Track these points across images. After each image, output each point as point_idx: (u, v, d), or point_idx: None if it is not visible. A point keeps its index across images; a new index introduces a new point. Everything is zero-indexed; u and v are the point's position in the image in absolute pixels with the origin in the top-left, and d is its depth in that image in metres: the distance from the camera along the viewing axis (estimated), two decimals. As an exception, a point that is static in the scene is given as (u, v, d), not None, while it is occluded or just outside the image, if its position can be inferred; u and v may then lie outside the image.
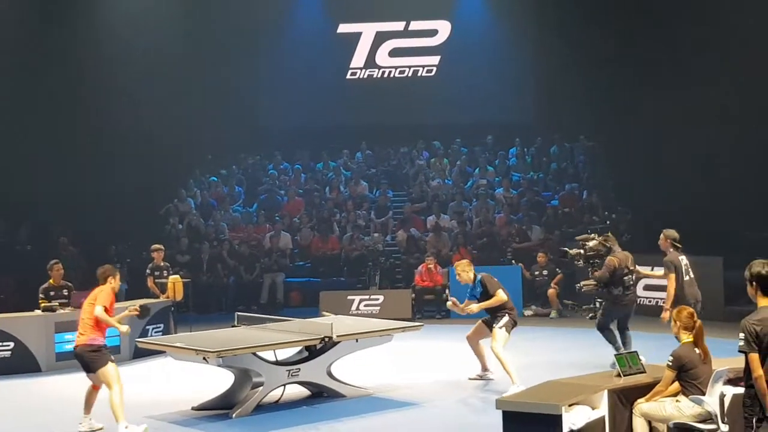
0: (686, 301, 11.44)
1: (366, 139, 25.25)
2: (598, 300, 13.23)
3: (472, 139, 24.98)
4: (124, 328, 9.93)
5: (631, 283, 12.62)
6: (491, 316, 11.85)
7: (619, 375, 8.23)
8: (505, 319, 11.65)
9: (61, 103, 22.31)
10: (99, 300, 9.73)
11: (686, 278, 12.08)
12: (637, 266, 12.72)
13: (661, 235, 12.44)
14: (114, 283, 9.99)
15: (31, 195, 21.70)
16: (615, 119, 22.38)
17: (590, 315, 13.42)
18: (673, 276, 11.95)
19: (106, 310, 9.66)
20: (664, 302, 12.25)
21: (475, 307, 11.71)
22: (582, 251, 12.85)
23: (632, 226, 20.83)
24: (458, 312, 12.00)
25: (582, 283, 12.90)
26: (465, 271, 11.91)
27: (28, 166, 21.70)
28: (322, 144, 25.09)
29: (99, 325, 9.69)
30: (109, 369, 9.64)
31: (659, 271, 12.66)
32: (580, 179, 23.21)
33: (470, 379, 12.28)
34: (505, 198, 22.52)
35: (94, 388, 9.96)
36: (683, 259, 12.18)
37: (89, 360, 9.69)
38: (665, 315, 11.78)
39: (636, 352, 8.48)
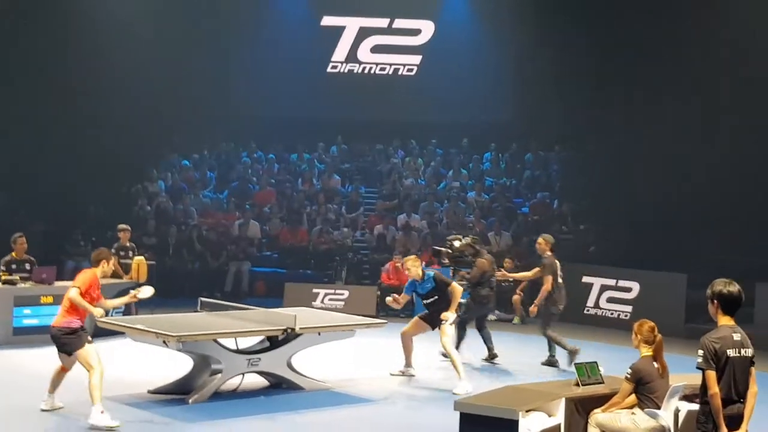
0: (555, 302, 13.02)
1: (342, 133, 25.23)
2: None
3: (448, 141, 25.01)
4: (98, 311, 9.65)
5: (494, 284, 13.74)
6: (433, 314, 11.92)
7: (577, 384, 8.28)
8: (453, 315, 11.78)
9: (34, 77, 22.03)
10: (77, 281, 9.62)
11: (559, 281, 13.15)
12: (503, 269, 14.58)
13: (540, 239, 13.48)
14: (105, 267, 9.86)
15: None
16: (591, 131, 22.51)
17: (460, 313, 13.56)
18: (550, 278, 12.96)
19: (82, 294, 9.50)
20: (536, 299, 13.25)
21: (450, 314, 11.70)
22: (449, 251, 13.52)
23: (600, 239, 20.99)
24: (397, 307, 12.31)
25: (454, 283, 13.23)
26: (415, 266, 11.99)
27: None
28: (298, 135, 25.04)
29: (76, 307, 9.54)
30: (88, 350, 9.48)
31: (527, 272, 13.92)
32: (553, 188, 23.30)
33: (392, 374, 12.43)
34: (477, 202, 22.57)
35: (63, 369, 9.86)
36: (557, 264, 13.21)
37: (65, 342, 9.56)
38: (534, 309, 13.24)
39: (596, 362, 8.54)
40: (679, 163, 20.33)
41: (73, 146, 21.81)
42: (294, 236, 21.54)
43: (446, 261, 13.78)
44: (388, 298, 12.37)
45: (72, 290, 9.54)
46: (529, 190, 23.38)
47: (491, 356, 13.66)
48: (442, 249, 13.88)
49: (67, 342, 9.54)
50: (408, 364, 12.53)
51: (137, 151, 22.84)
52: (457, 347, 13.08)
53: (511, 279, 15.24)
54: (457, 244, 13.61)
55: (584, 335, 16.42)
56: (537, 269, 13.40)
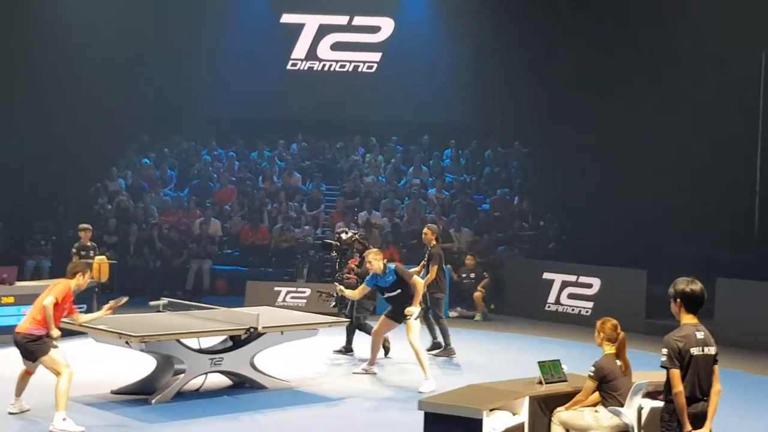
0: (441, 289, 13.63)
1: (302, 131, 25.17)
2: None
3: (409, 138, 25.03)
4: (56, 333, 9.42)
5: None
6: (396, 309, 11.93)
7: (540, 382, 8.31)
8: (418, 309, 11.76)
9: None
10: (53, 291, 9.46)
11: (443, 269, 13.77)
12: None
13: (427, 229, 14.04)
14: (80, 280, 9.72)
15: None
16: (550, 128, 22.62)
17: (333, 304, 13.51)
18: (436, 267, 13.43)
19: (56, 304, 9.37)
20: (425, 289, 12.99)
21: (414, 309, 11.68)
22: (337, 243, 13.57)
23: (560, 235, 21.12)
24: (348, 296, 12.35)
25: (344, 275, 13.43)
26: (376, 259, 11.92)
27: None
28: (258, 133, 24.96)
29: (45, 316, 9.38)
30: (54, 356, 9.34)
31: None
32: (513, 185, 23.39)
33: (354, 373, 12.43)
34: (437, 199, 22.61)
35: (27, 373, 9.72)
36: (442, 253, 13.83)
37: (29, 349, 9.39)
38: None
39: (559, 360, 8.56)
40: (638, 160, 20.50)
41: (32, 145, 21.52)
42: (255, 234, 21.45)
43: (334, 254, 13.70)
44: (338, 287, 12.51)
45: (48, 298, 9.38)
46: (489, 187, 23.46)
47: (347, 349, 13.76)
48: (332, 241, 13.85)
49: (32, 349, 9.39)
50: (372, 363, 12.51)
51: (97, 150, 22.59)
52: (348, 347, 13.48)
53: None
54: (344, 236, 13.62)
55: (545, 331, 16.58)
56: (434, 267, 13.53)
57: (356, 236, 13.79)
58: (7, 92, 21.60)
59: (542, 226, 21.49)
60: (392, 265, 12.07)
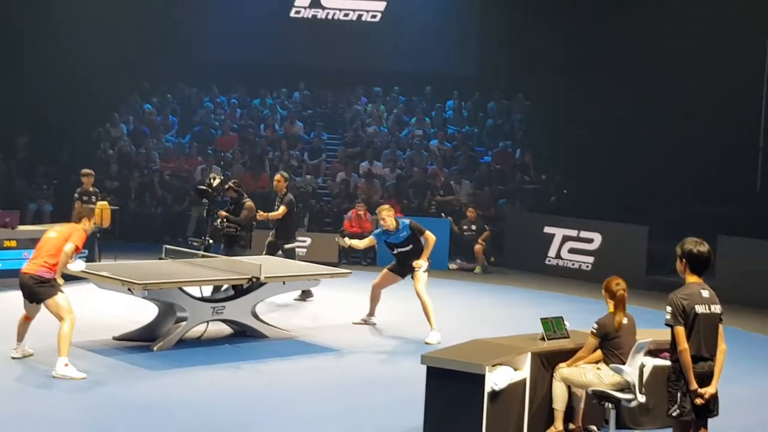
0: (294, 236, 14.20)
1: (305, 79, 24.97)
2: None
3: (411, 89, 24.86)
4: (61, 280, 9.39)
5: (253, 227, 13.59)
6: (403, 264, 11.91)
7: (543, 338, 8.29)
8: (426, 263, 11.72)
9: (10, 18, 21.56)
10: (73, 238, 9.34)
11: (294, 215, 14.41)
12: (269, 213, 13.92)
13: (279, 176, 14.31)
14: (87, 225, 9.65)
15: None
16: (554, 80, 22.40)
17: (203, 248, 13.18)
18: (284, 211, 13.76)
19: (75, 249, 9.33)
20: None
21: (423, 262, 11.67)
22: (209, 189, 13.33)
23: (561, 189, 21.05)
24: (355, 246, 12.32)
25: (225, 224, 13.09)
26: (389, 215, 11.87)
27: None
28: (261, 80, 24.76)
29: (56, 260, 9.29)
30: (59, 300, 9.28)
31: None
32: (515, 137, 23.28)
33: (354, 323, 12.44)
34: (439, 150, 22.52)
35: (26, 318, 9.68)
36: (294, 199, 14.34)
37: (36, 291, 9.32)
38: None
39: (561, 317, 8.54)
40: (643, 114, 20.33)
41: (34, 90, 21.40)
42: (256, 182, 21.33)
43: (206, 201, 13.45)
44: (340, 238, 12.52)
45: (69, 245, 9.28)
46: (492, 139, 23.36)
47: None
48: (203, 187, 13.51)
49: (39, 291, 9.32)
50: (371, 314, 12.53)
51: (99, 95, 22.43)
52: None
53: (269, 218, 14.11)
54: (215, 182, 13.35)
55: (546, 286, 16.59)
56: (284, 208, 13.77)
57: (230, 183, 13.48)
58: (10, 35, 21.42)
59: (544, 180, 21.42)
60: (406, 221, 12.00)
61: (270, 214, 13.79)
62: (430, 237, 11.75)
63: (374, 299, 12.46)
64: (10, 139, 21.04)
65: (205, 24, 24.75)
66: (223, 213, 13.10)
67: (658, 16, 19.95)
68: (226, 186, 13.35)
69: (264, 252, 13.68)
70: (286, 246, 13.88)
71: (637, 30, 20.41)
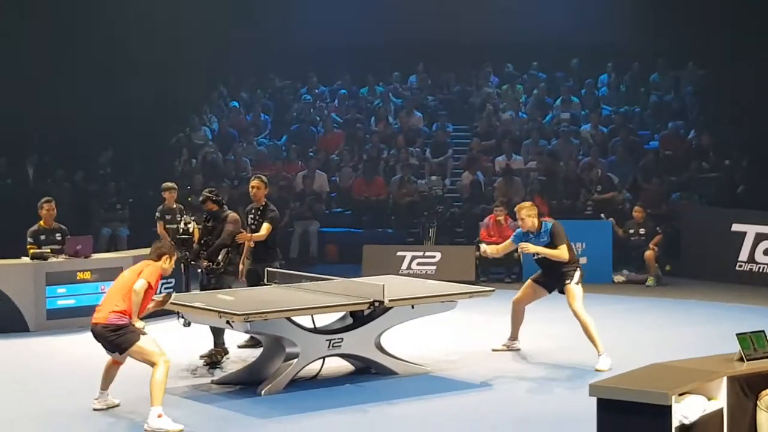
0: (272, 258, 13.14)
1: (422, 59, 25.16)
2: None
3: (553, 63, 24.84)
4: (140, 324, 9.63)
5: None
6: (549, 273, 11.92)
7: (741, 359, 8.18)
8: (578, 273, 11.77)
9: (70, 21, 22.34)
10: (145, 273, 9.63)
11: None
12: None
13: (258, 181, 13.38)
14: (167, 264, 9.90)
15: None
16: (735, 42, 22.07)
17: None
18: (268, 229, 12.80)
19: (149, 288, 9.59)
20: None
21: (532, 247, 11.76)
22: (185, 236, 12.96)
23: (751, 176, 20.68)
24: (491, 254, 12.47)
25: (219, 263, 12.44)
26: (530, 215, 11.91)
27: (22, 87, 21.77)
28: (368, 65, 25.04)
29: (129, 301, 9.56)
30: (144, 345, 9.52)
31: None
32: (687, 116, 23.02)
33: (494, 350, 12.51)
34: (593, 136, 22.41)
35: (115, 363, 9.94)
36: None
37: (114, 342, 9.59)
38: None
39: (763, 331, 8.41)
40: None
41: (97, 97, 22.08)
42: (369, 188, 21.59)
43: (196, 246, 12.79)
44: (483, 247, 12.57)
45: (140, 282, 9.54)
46: (658, 120, 23.15)
47: (209, 358, 12.20)
48: (183, 236, 13.08)
49: (118, 342, 9.57)
50: (514, 337, 12.56)
51: (178, 96, 22.98)
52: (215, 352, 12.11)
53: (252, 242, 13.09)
54: (183, 226, 13.11)
55: (738, 297, 16.39)
56: (267, 225, 12.89)
57: (205, 192, 12.82)
58: (74, 42, 22.19)
59: (727, 165, 21.09)
60: (549, 223, 12.00)
61: (254, 235, 12.83)
62: (561, 254, 11.71)
63: (517, 318, 12.48)
64: (93, 153, 21.66)
65: (301, 3, 25.08)
66: (205, 262, 12.44)
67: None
68: (201, 198, 12.81)
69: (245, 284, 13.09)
70: (270, 270, 12.70)
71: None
